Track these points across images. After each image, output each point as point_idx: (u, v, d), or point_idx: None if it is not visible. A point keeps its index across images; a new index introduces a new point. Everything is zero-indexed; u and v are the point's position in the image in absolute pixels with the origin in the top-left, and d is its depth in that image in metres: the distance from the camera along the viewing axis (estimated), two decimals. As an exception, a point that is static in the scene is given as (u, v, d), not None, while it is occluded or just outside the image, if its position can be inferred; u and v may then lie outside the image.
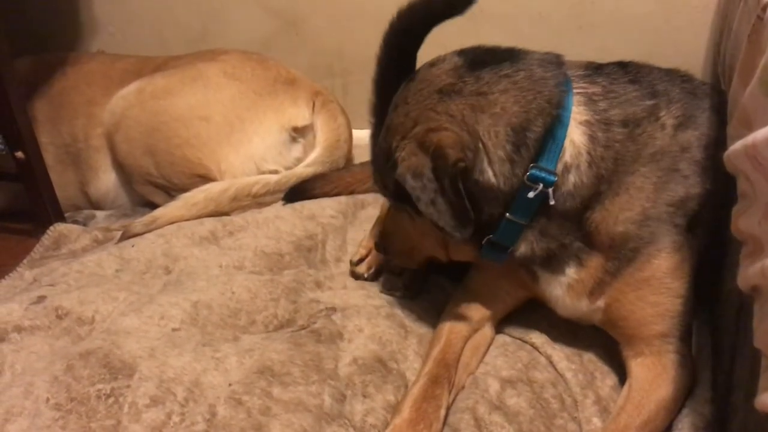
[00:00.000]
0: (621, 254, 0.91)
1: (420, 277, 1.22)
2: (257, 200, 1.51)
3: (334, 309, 1.14)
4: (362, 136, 1.63)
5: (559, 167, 0.89)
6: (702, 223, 0.92)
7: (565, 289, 0.97)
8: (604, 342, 1.02)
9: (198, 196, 1.46)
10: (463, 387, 0.99)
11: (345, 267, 1.30)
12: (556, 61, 0.94)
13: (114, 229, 1.54)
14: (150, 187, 1.60)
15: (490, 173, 0.89)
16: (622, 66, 0.98)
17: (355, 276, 1.26)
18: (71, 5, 2.11)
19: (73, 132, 1.68)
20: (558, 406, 0.95)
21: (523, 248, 0.94)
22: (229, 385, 0.93)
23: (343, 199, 1.52)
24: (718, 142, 0.89)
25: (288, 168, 1.57)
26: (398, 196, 0.96)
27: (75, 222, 1.61)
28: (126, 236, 1.40)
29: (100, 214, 1.68)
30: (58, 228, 1.51)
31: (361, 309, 1.14)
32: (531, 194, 0.88)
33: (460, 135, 0.88)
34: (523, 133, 0.88)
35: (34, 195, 1.55)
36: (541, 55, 0.95)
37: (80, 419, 0.86)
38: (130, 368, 0.94)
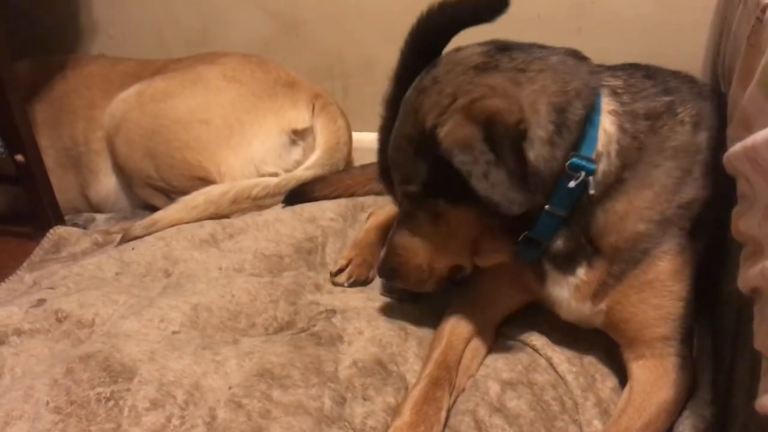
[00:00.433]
0: (629, 256, 0.91)
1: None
2: (257, 203, 1.51)
3: (333, 311, 1.13)
4: (362, 138, 1.64)
5: (593, 155, 0.87)
6: (704, 226, 0.92)
7: (573, 290, 0.96)
8: (605, 344, 1.02)
9: (198, 198, 1.46)
10: (463, 389, 0.98)
11: (345, 269, 1.30)
12: (579, 55, 0.95)
13: (114, 232, 1.54)
14: (150, 189, 1.60)
15: (531, 154, 0.84)
16: (633, 65, 0.98)
17: (335, 284, 1.26)
18: (71, 8, 2.12)
19: (73, 135, 1.69)
20: (558, 408, 0.95)
21: (558, 244, 0.91)
22: (229, 388, 0.93)
23: (342, 201, 1.52)
24: (721, 145, 0.89)
25: (288, 171, 1.58)
26: (429, 189, 0.91)
27: (75, 225, 1.61)
28: (126, 239, 1.40)
29: (100, 217, 1.68)
30: (58, 231, 1.51)
31: (360, 311, 1.14)
32: (572, 183, 0.84)
33: (509, 102, 0.83)
34: (564, 114, 0.85)
35: (34, 198, 1.55)
36: (563, 48, 0.95)
37: (80, 422, 0.86)
38: (130, 371, 0.94)
